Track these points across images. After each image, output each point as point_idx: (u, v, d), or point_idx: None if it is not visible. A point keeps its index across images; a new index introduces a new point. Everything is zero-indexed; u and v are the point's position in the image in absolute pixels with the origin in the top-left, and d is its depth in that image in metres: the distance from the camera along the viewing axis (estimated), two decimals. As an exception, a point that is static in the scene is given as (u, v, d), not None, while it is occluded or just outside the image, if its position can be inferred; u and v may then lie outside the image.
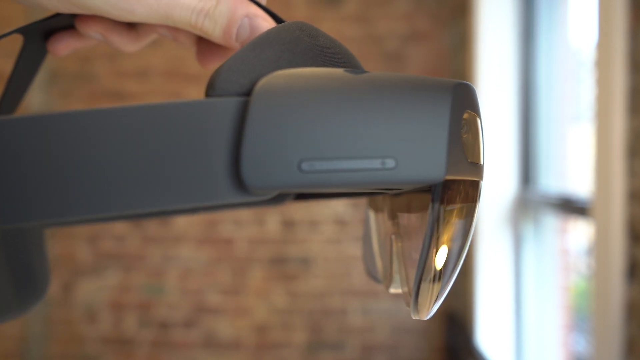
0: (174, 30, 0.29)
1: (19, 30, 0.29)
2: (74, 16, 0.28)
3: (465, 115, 0.20)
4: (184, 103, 0.19)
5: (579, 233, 1.66)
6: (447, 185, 0.20)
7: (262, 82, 0.19)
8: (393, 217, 0.28)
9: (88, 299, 2.29)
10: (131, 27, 0.29)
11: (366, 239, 0.32)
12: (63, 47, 0.30)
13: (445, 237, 0.21)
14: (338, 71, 0.20)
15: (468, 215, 0.21)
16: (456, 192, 0.20)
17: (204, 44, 0.29)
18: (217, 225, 2.29)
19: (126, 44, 0.29)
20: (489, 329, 1.90)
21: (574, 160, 1.66)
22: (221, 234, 2.29)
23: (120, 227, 2.29)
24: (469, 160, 0.20)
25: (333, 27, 2.22)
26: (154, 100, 2.32)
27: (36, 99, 2.28)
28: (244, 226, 2.29)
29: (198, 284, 2.29)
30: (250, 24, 0.26)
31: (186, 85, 2.29)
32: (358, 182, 0.19)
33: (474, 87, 0.21)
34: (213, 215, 2.29)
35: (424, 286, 0.21)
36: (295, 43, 0.22)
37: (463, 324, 2.08)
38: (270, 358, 2.29)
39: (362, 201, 2.26)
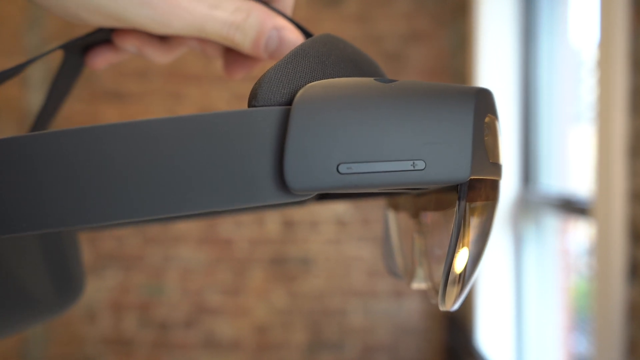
0: (203, 43, 0.31)
1: (61, 47, 0.30)
2: (111, 31, 0.30)
3: (487, 119, 0.22)
4: (231, 113, 0.21)
5: (580, 233, 1.66)
6: (471, 184, 0.21)
7: (301, 92, 0.21)
8: (415, 215, 0.29)
9: (88, 299, 2.29)
10: (163, 39, 0.31)
11: (386, 238, 0.34)
12: (101, 61, 0.32)
13: (470, 233, 0.22)
14: (369, 80, 0.22)
15: (490, 212, 0.23)
16: (480, 190, 0.22)
17: (230, 55, 0.31)
18: (217, 226, 2.29)
19: (159, 56, 0.31)
20: (490, 329, 1.89)
21: (575, 161, 1.66)
22: (221, 234, 2.28)
23: (120, 227, 2.29)
24: (490, 161, 0.22)
25: (333, 27, 2.22)
26: (155, 100, 2.32)
27: (36, 99, 2.28)
28: (244, 226, 2.29)
29: (198, 284, 2.29)
30: (278, 36, 0.28)
31: (186, 86, 2.28)
32: (390, 182, 0.20)
33: (493, 93, 0.22)
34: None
35: (452, 279, 0.23)
36: (326, 55, 0.24)
37: (463, 324, 2.07)
38: (270, 358, 2.29)
39: (364, 202, 2.26)
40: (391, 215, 0.34)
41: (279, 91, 0.22)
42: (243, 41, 0.28)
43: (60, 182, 0.20)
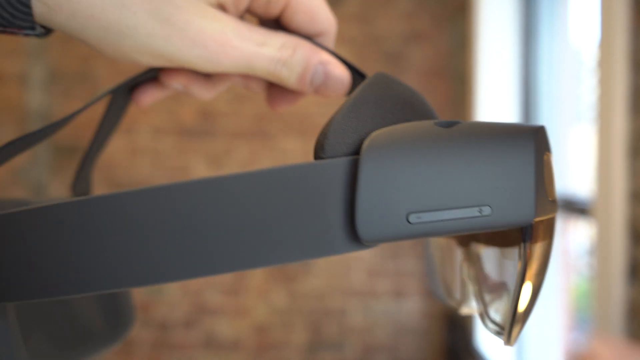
0: (247, 79, 0.31)
1: (111, 92, 0.31)
2: (158, 70, 0.31)
3: (545, 157, 0.22)
4: (301, 166, 0.21)
5: (581, 233, 1.66)
6: (535, 225, 0.22)
7: (368, 142, 0.21)
8: (464, 244, 0.30)
9: (88, 299, 2.29)
10: (208, 76, 0.31)
11: (429, 260, 0.35)
12: (147, 99, 0.33)
13: (533, 271, 0.23)
14: (430, 125, 0.22)
15: (550, 249, 0.23)
16: (542, 230, 0.22)
17: (274, 89, 0.32)
18: (217, 226, 2.28)
19: (204, 93, 0.32)
20: (490, 329, 1.89)
21: (576, 161, 1.66)
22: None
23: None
24: (549, 199, 0.22)
25: (333, 27, 2.22)
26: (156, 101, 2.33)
27: (36, 99, 2.27)
28: (244, 226, 2.28)
29: (198, 284, 2.29)
30: (323, 71, 0.28)
31: (186, 85, 2.28)
32: (458, 229, 0.21)
33: (544, 128, 0.23)
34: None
35: (517, 317, 0.24)
36: (384, 99, 0.24)
37: (463, 324, 2.07)
38: (270, 358, 2.29)
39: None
40: (433, 239, 0.34)
41: (345, 141, 0.22)
42: (289, 77, 0.28)
43: (136, 242, 0.20)
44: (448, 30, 2.26)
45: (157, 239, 0.20)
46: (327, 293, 2.28)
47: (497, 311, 0.27)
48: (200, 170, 2.28)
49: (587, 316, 1.57)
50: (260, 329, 2.29)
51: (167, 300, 2.29)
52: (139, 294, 2.29)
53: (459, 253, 0.30)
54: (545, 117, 1.82)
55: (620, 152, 1.07)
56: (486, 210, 0.20)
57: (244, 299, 2.29)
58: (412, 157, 0.20)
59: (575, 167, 1.66)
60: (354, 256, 2.26)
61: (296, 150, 2.28)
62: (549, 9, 1.79)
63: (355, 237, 0.21)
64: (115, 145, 2.23)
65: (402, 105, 0.24)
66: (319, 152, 0.22)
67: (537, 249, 0.23)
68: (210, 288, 2.29)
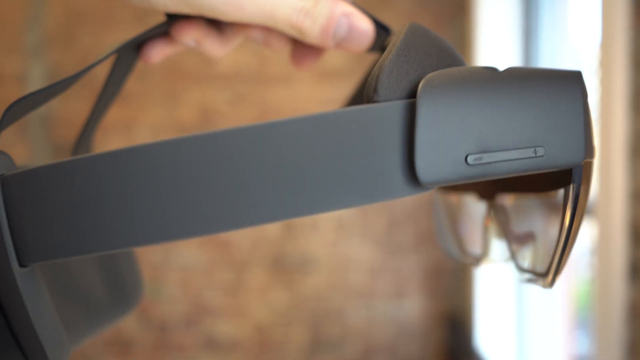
0: (267, 33, 0.30)
1: (116, 51, 0.30)
2: (169, 25, 0.30)
3: (587, 101, 0.22)
4: (355, 110, 0.21)
5: (581, 233, 1.66)
6: (584, 167, 0.22)
7: (423, 84, 0.21)
8: (490, 197, 0.30)
9: (88, 299, 2.29)
10: (221, 31, 0.31)
11: (440, 222, 0.35)
12: (157, 55, 0.32)
13: (580, 213, 0.23)
14: (481, 69, 0.22)
15: (589, 190, 0.24)
16: (587, 172, 0.23)
17: (298, 46, 0.31)
18: (217, 226, 2.28)
19: (216, 49, 0.31)
20: (490, 330, 1.89)
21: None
22: (221, 234, 2.28)
23: (120, 227, 2.29)
24: (591, 142, 0.22)
25: (333, 26, 2.21)
26: (154, 100, 2.32)
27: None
28: (244, 226, 2.28)
29: (198, 284, 2.29)
30: (347, 23, 0.27)
31: (186, 86, 2.28)
32: (514, 170, 0.21)
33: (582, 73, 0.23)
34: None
35: (564, 256, 0.24)
36: (427, 45, 0.23)
37: (463, 324, 2.07)
38: (270, 358, 2.29)
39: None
40: (441, 200, 0.34)
41: (398, 84, 0.22)
42: (312, 28, 0.27)
43: (193, 190, 0.20)
44: (448, 30, 2.26)
45: (215, 185, 0.20)
46: (327, 293, 2.28)
47: (529, 258, 0.27)
48: (200, 170, 2.28)
49: (587, 316, 1.57)
50: (260, 329, 2.29)
51: (167, 300, 2.29)
52: (138, 294, 2.29)
53: (478, 209, 0.30)
54: (545, 117, 1.81)
55: (621, 152, 1.07)
56: (540, 151, 0.21)
57: (244, 299, 2.29)
58: (469, 98, 0.20)
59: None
60: (354, 256, 2.26)
61: (296, 150, 2.27)
62: (549, 9, 1.79)
63: (414, 180, 0.21)
64: (115, 144, 2.23)
65: (443, 51, 0.24)
66: (373, 95, 0.22)
67: (586, 190, 0.23)
68: (210, 288, 2.29)
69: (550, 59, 1.79)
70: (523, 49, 1.90)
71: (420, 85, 0.21)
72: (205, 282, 2.29)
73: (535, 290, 1.81)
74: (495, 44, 1.90)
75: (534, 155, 0.21)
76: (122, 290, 0.35)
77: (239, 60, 2.27)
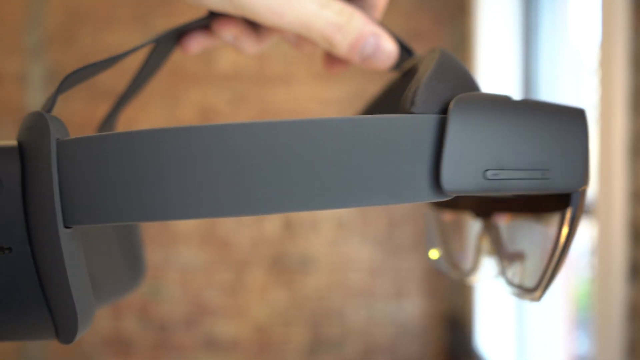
0: (300, 37, 0.32)
1: (155, 41, 0.32)
2: (211, 19, 0.32)
3: (589, 136, 0.25)
4: (394, 118, 0.23)
5: (581, 233, 1.66)
6: (582, 193, 0.25)
7: (455, 103, 0.23)
8: (484, 215, 0.32)
9: (88, 299, 2.29)
10: (258, 31, 0.33)
11: (431, 236, 0.38)
12: (196, 45, 0.33)
13: (570, 234, 0.26)
14: (504, 97, 0.24)
15: (582, 215, 0.26)
16: (583, 199, 0.26)
17: (330, 53, 0.33)
18: (217, 226, 2.28)
19: (251, 47, 0.33)
20: (490, 330, 1.89)
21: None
22: (221, 234, 2.28)
23: (119, 228, 2.29)
24: (589, 172, 0.25)
25: (333, 26, 2.21)
26: (154, 100, 2.32)
27: (36, 99, 2.27)
28: (244, 226, 2.28)
29: (198, 284, 2.29)
30: (375, 42, 0.29)
31: (186, 86, 2.28)
32: (525, 188, 0.23)
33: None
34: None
35: (549, 273, 0.26)
36: (456, 70, 0.26)
37: (463, 324, 2.07)
38: (270, 358, 2.29)
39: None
40: (432, 215, 0.37)
41: (433, 100, 0.24)
42: (342, 43, 0.29)
43: (239, 174, 0.22)
44: (448, 30, 2.26)
45: (257, 171, 0.22)
46: (327, 293, 2.28)
47: (518, 275, 0.29)
48: (200, 170, 2.28)
49: (587, 316, 1.57)
50: (260, 329, 2.29)
51: (166, 300, 2.29)
52: (138, 294, 2.29)
53: (473, 226, 0.33)
54: (545, 117, 1.81)
55: (621, 152, 1.07)
56: (547, 174, 0.23)
57: (244, 299, 2.29)
58: (492, 120, 0.23)
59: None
60: (354, 256, 2.26)
61: (296, 150, 2.28)
62: (549, 8, 1.79)
63: (437, 187, 0.23)
64: (115, 145, 2.23)
65: (467, 76, 0.27)
66: (409, 107, 0.24)
67: (579, 214, 0.26)
68: (210, 288, 2.29)
69: (550, 59, 1.79)
70: (523, 49, 1.90)
71: (452, 103, 0.23)
72: (205, 282, 2.29)
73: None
74: (495, 44, 1.90)
75: (541, 177, 0.23)
76: (135, 263, 0.37)
77: (239, 60, 2.27)
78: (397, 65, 0.32)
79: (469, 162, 0.23)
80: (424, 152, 0.23)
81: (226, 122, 0.22)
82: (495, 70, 1.90)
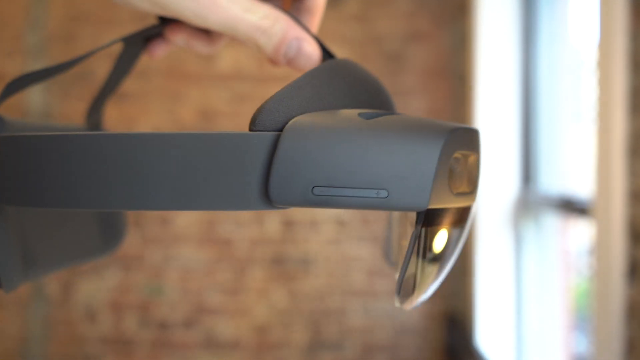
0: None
1: (122, 40, 0.35)
2: (162, 26, 0.35)
3: (457, 155, 0.25)
4: (232, 134, 0.25)
5: (580, 233, 1.66)
6: (431, 212, 0.25)
7: (290, 123, 0.25)
8: (402, 220, 0.34)
9: (88, 299, 2.29)
10: (207, 33, 0.35)
11: (388, 230, 0.39)
12: (160, 51, 0.36)
13: (423, 252, 0.27)
14: (353, 115, 0.26)
15: (449, 235, 0.27)
16: (439, 217, 0.26)
17: None
18: (217, 226, 2.29)
19: (203, 48, 0.35)
20: (489, 329, 1.90)
21: (575, 160, 1.66)
22: (221, 234, 2.29)
23: (120, 227, 2.29)
24: (454, 192, 0.25)
25: (333, 27, 2.22)
26: (154, 100, 2.32)
27: (36, 99, 2.28)
28: (244, 226, 2.29)
29: (198, 284, 2.29)
30: (297, 46, 0.31)
31: (186, 86, 2.29)
32: (356, 206, 0.24)
33: (476, 130, 0.26)
34: (213, 215, 2.29)
35: (405, 286, 0.28)
36: (326, 85, 0.28)
37: (463, 324, 2.08)
38: (270, 358, 2.29)
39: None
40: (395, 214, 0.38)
41: (274, 119, 0.26)
42: (266, 45, 0.31)
43: (126, 176, 0.25)
44: (448, 30, 2.26)
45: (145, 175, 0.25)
46: (327, 293, 2.28)
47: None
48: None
49: (586, 316, 1.57)
50: (260, 329, 2.29)
51: (167, 300, 2.29)
52: (138, 294, 2.30)
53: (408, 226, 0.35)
54: (544, 117, 1.82)
55: (620, 152, 1.08)
56: (383, 194, 0.24)
57: (244, 299, 2.29)
58: (322, 141, 0.24)
59: (574, 167, 1.66)
60: (354, 256, 2.26)
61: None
62: (548, 9, 1.79)
63: (267, 199, 0.25)
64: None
65: (346, 92, 0.28)
66: (251, 125, 0.26)
67: (429, 232, 0.26)
68: (211, 288, 2.29)
69: (549, 58, 1.79)
70: (523, 49, 1.90)
71: (288, 124, 0.25)
72: (205, 282, 2.29)
73: (535, 290, 1.81)
74: (495, 45, 1.91)
75: (375, 196, 0.24)
76: (110, 230, 0.41)
77: (239, 60, 2.28)
78: None
79: (297, 178, 0.24)
80: (255, 166, 0.25)
81: (85, 133, 0.25)
82: (495, 71, 1.91)
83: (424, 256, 0.27)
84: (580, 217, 1.41)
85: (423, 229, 0.26)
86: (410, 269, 0.27)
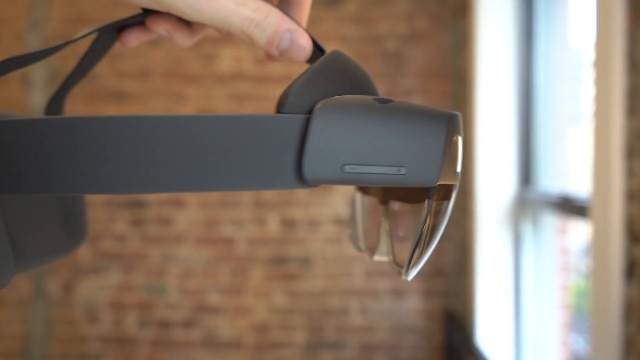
0: (229, 32, 0.36)
1: (97, 30, 0.36)
2: (145, 16, 0.35)
3: (454, 138, 0.28)
4: (265, 116, 0.26)
5: (578, 233, 1.67)
6: (439, 187, 0.28)
7: (320, 105, 0.27)
8: (384, 202, 0.36)
9: (89, 298, 2.30)
10: (189, 25, 0.36)
11: (353, 216, 0.42)
12: (133, 39, 0.37)
13: (433, 223, 0.29)
14: (370, 100, 0.28)
15: (447, 207, 0.30)
16: (443, 192, 0.29)
17: None
18: (217, 225, 2.29)
19: (185, 40, 0.36)
20: (489, 328, 1.90)
21: (573, 160, 1.67)
22: (221, 234, 2.29)
23: (120, 227, 2.30)
24: (452, 170, 0.28)
25: (333, 27, 2.22)
26: (154, 99, 2.32)
27: (38, 99, 2.28)
28: (244, 226, 2.29)
29: (198, 284, 2.30)
30: (290, 38, 0.32)
31: (186, 86, 2.29)
32: (380, 182, 0.26)
33: (460, 115, 0.29)
34: (213, 215, 2.29)
35: (416, 254, 0.30)
36: (338, 74, 0.30)
37: (463, 323, 2.08)
38: (270, 358, 2.29)
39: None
40: (359, 198, 0.41)
41: (302, 102, 0.28)
42: (260, 37, 0.32)
43: (136, 159, 0.25)
44: (448, 30, 2.26)
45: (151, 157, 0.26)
46: (327, 293, 2.29)
47: (402, 255, 0.33)
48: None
49: (584, 315, 1.57)
50: (260, 329, 2.30)
51: (167, 299, 2.30)
52: (139, 294, 2.30)
53: (379, 210, 0.37)
54: (543, 117, 1.82)
55: (618, 152, 1.08)
56: (403, 171, 0.26)
57: (244, 299, 2.30)
58: (352, 121, 0.26)
59: (573, 167, 1.67)
60: (354, 256, 2.27)
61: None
62: (548, 9, 1.80)
63: (300, 177, 0.26)
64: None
65: (352, 81, 0.30)
66: (280, 108, 0.28)
67: (438, 206, 0.29)
68: (211, 288, 2.30)
69: (548, 59, 1.79)
70: (522, 49, 1.90)
71: (317, 106, 0.27)
72: (206, 282, 2.30)
73: (534, 289, 1.82)
74: (494, 45, 1.91)
75: (397, 172, 0.26)
76: (74, 228, 0.41)
77: (239, 60, 2.28)
78: (312, 60, 0.35)
79: (329, 157, 0.26)
80: (290, 147, 0.26)
81: (112, 115, 0.25)
82: (494, 71, 1.91)
83: (432, 229, 0.30)
84: (579, 216, 1.42)
85: (434, 203, 0.29)
86: (421, 241, 0.30)
